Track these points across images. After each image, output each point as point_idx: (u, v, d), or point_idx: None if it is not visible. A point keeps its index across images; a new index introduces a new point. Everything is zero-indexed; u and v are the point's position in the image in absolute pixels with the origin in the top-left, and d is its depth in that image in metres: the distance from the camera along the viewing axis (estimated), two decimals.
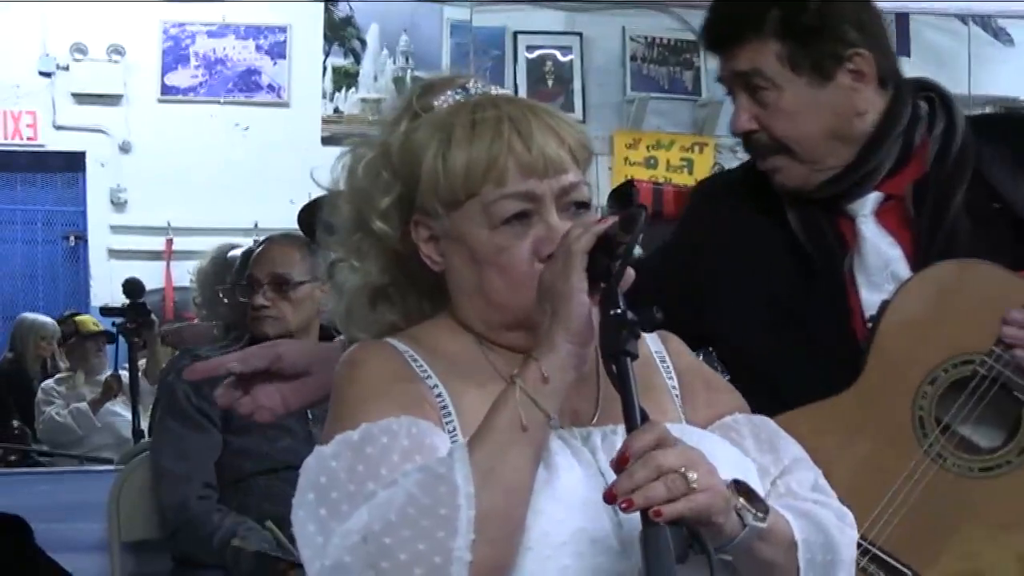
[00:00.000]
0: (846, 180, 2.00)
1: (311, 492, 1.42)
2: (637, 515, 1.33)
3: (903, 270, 1.97)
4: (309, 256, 3.35)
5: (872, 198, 1.98)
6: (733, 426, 1.62)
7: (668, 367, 1.65)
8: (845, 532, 1.55)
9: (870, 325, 1.99)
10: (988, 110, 5.86)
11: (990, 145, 2.03)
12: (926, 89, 2.06)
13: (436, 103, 1.57)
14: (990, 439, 1.90)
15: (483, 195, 1.49)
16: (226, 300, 3.71)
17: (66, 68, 6.19)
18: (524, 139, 1.49)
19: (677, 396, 1.62)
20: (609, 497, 1.32)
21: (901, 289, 1.96)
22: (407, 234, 1.57)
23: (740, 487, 1.42)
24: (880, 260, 2.01)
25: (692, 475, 1.31)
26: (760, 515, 1.41)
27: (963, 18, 6.20)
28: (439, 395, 1.52)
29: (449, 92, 1.57)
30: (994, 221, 1.99)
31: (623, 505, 1.30)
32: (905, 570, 1.82)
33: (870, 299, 1.97)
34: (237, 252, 4.05)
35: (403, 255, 1.59)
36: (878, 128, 1.99)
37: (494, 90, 1.60)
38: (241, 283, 3.47)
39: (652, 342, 1.68)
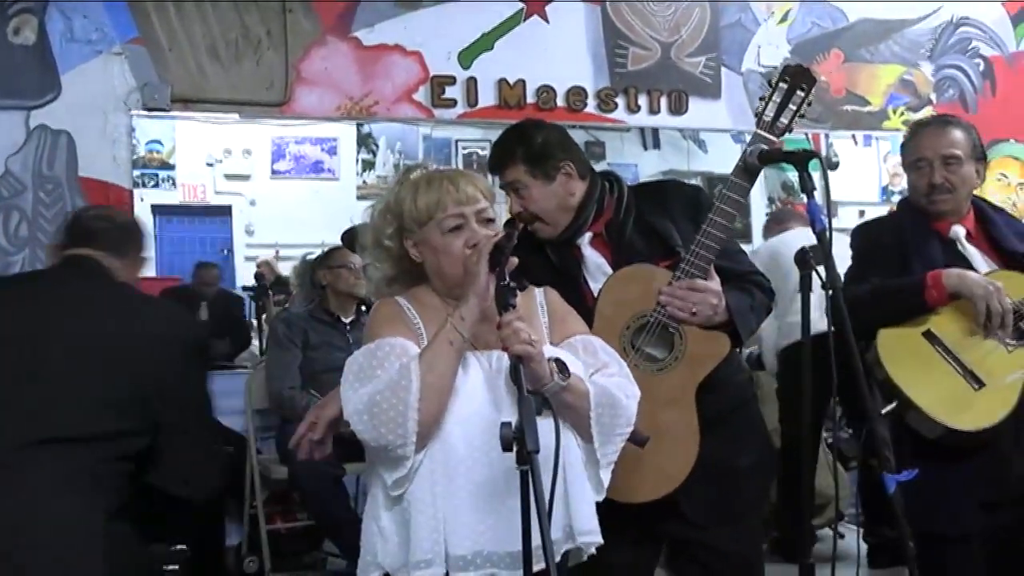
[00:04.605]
0: (571, 230, 2.38)
1: (350, 371, 1.81)
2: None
3: (608, 269, 2.37)
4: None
5: (587, 235, 2.39)
6: (572, 343, 1.98)
7: (543, 310, 2.03)
8: (624, 389, 1.92)
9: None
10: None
11: (644, 198, 2.46)
12: (606, 174, 2.47)
13: (412, 176, 1.97)
14: (661, 353, 2.31)
15: (436, 218, 1.89)
16: (326, 277, 4.41)
17: (220, 161, 7.41)
18: (454, 186, 1.89)
19: (546, 326, 2.01)
20: (502, 346, 1.68)
21: (607, 281, 2.32)
22: (401, 246, 1.96)
23: (558, 362, 1.83)
24: (595, 266, 2.38)
25: (534, 337, 1.74)
26: (564, 376, 1.79)
27: (682, 132, 6.67)
28: (417, 325, 1.90)
29: (419, 170, 1.95)
30: (652, 239, 2.40)
31: (503, 347, 1.68)
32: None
33: (595, 286, 2.36)
34: (311, 256, 4.79)
35: (399, 257, 1.99)
36: (582, 202, 2.38)
37: (440, 167, 2.02)
38: (340, 267, 4.45)
39: (539, 294, 2.03)
